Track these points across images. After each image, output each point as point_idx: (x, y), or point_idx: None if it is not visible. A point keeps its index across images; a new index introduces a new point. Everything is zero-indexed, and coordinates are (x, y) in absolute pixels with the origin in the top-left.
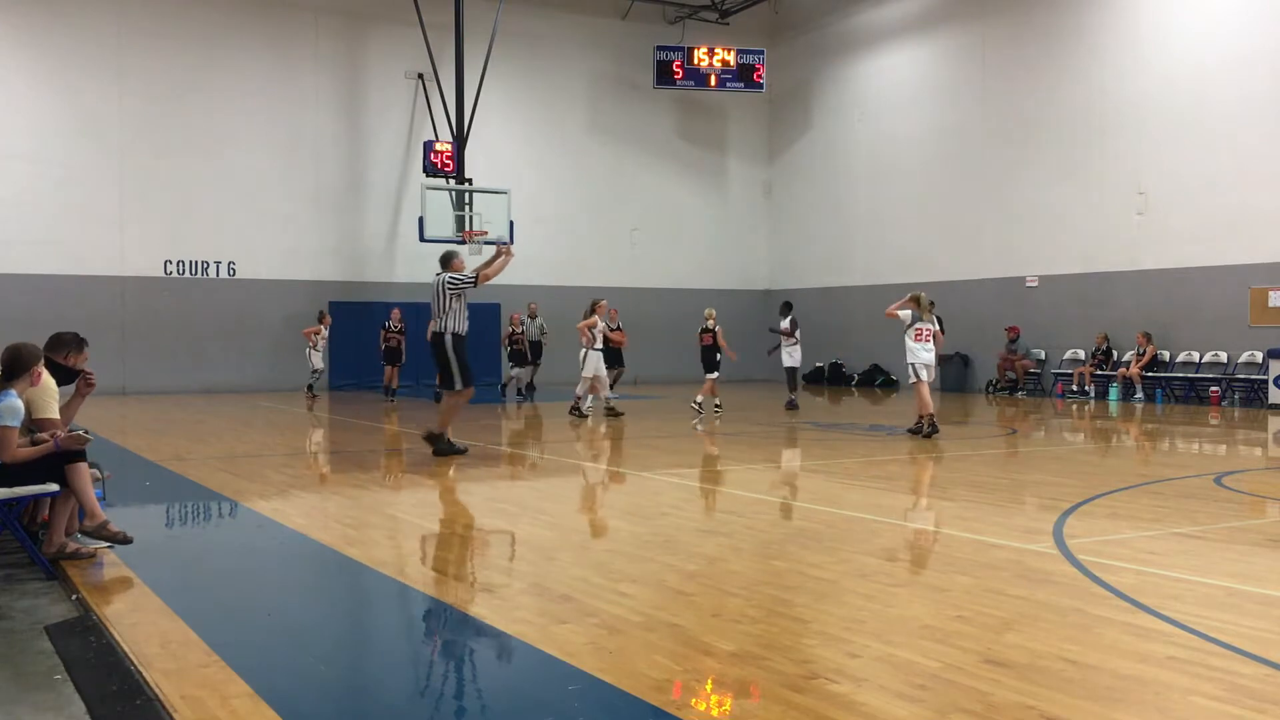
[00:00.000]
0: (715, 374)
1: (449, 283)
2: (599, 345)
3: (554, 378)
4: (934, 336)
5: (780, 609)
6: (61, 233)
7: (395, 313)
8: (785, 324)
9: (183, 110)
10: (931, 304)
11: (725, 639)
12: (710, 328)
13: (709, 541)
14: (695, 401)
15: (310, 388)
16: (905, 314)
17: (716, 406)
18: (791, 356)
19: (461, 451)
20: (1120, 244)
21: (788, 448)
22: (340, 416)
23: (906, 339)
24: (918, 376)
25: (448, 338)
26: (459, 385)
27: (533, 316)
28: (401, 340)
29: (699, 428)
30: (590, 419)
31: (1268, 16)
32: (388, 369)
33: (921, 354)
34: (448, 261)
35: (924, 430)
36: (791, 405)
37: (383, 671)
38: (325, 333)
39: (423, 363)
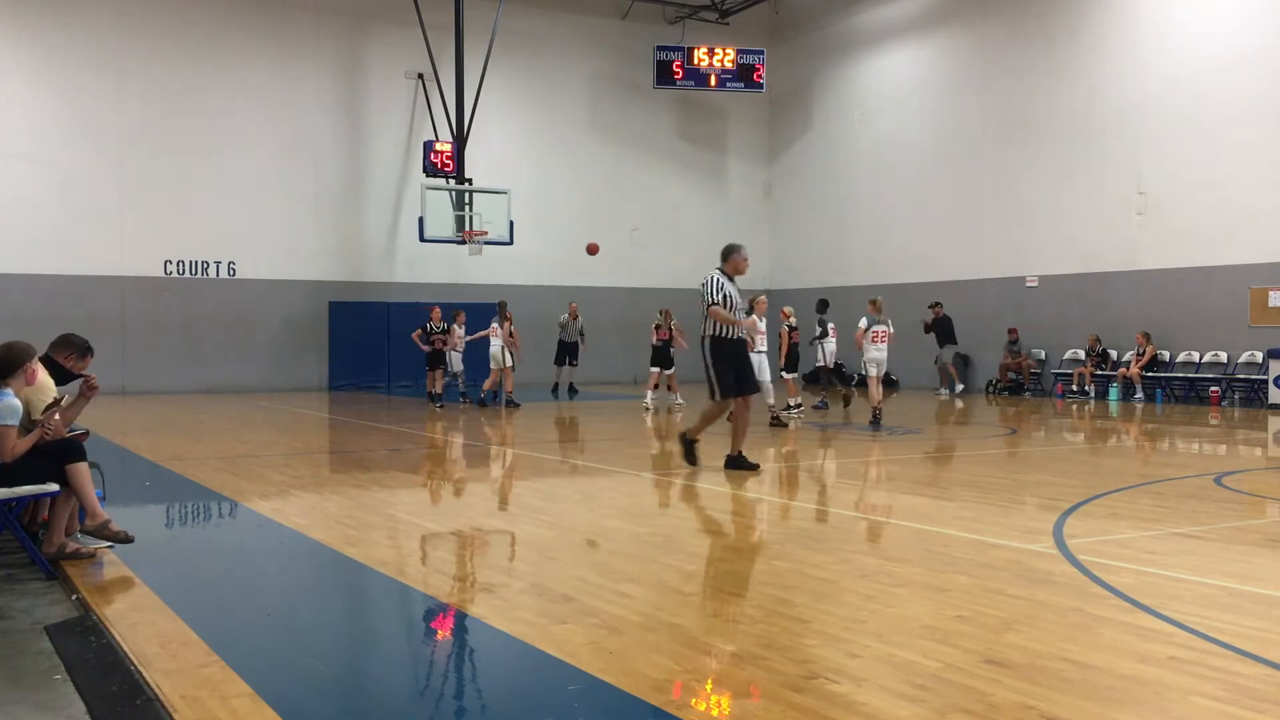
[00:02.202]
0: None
1: (703, 289)
2: (760, 348)
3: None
4: (888, 336)
5: (780, 609)
6: (61, 233)
7: (435, 312)
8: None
9: (183, 110)
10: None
11: (725, 639)
12: (795, 325)
13: (709, 541)
14: (794, 405)
15: (439, 394)
16: (863, 321)
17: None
18: (827, 353)
19: (694, 463)
20: (1120, 244)
21: (787, 448)
22: (340, 416)
23: (864, 340)
24: (868, 373)
25: (705, 342)
26: (716, 394)
27: (574, 318)
28: (445, 341)
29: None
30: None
31: (1268, 16)
32: (431, 373)
33: (874, 353)
34: (726, 256)
35: (875, 419)
36: (845, 401)
37: (383, 671)
38: (461, 331)
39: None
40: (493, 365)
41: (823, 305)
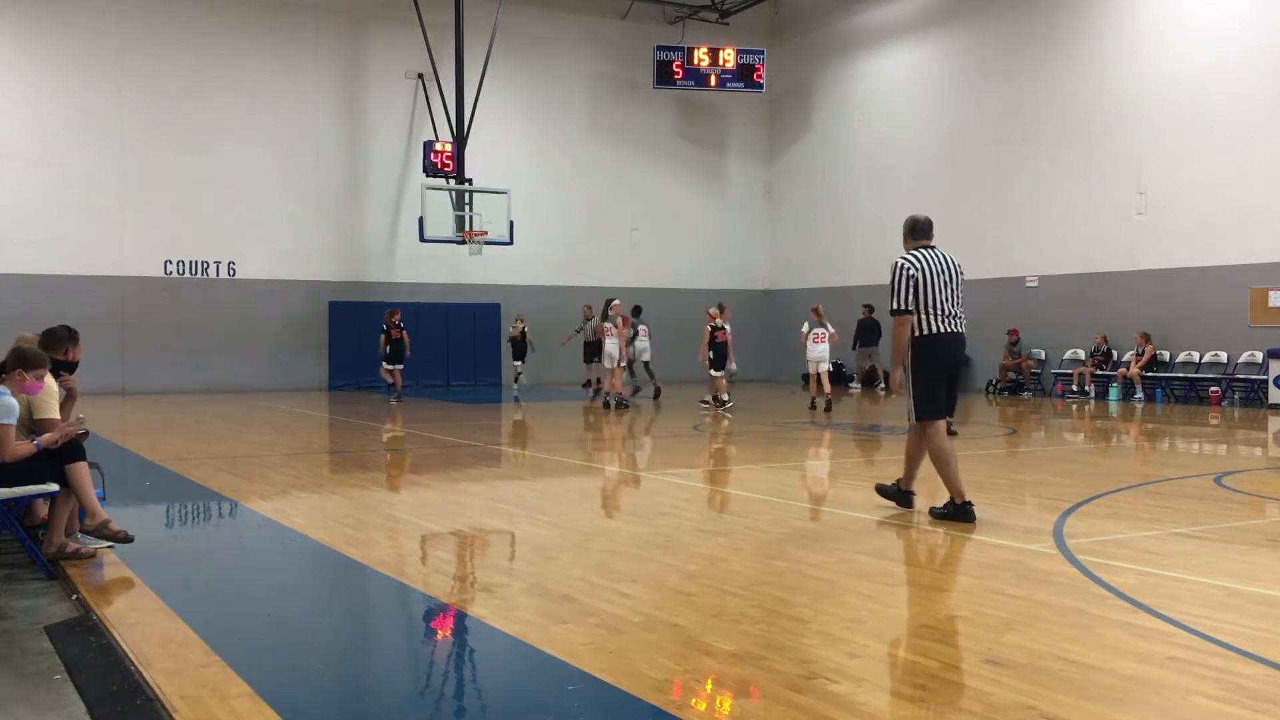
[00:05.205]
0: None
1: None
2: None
3: (550, 376)
4: (828, 337)
5: (780, 609)
6: (61, 233)
7: (617, 305)
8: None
9: (183, 110)
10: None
11: (725, 639)
12: (722, 324)
13: (709, 541)
14: (717, 399)
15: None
16: (805, 326)
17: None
18: (638, 351)
19: (977, 521)
20: (1120, 244)
21: (787, 448)
22: (340, 416)
23: (806, 341)
24: (816, 369)
25: (911, 345)
26: (913, 415)
27: (588, 318)
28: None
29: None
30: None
31: (1268, 16)
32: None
33: (815, 352)
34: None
35: (823, 406)
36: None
37: (383, 671)
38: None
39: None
40: (608, 364)
41: (636, 311)
